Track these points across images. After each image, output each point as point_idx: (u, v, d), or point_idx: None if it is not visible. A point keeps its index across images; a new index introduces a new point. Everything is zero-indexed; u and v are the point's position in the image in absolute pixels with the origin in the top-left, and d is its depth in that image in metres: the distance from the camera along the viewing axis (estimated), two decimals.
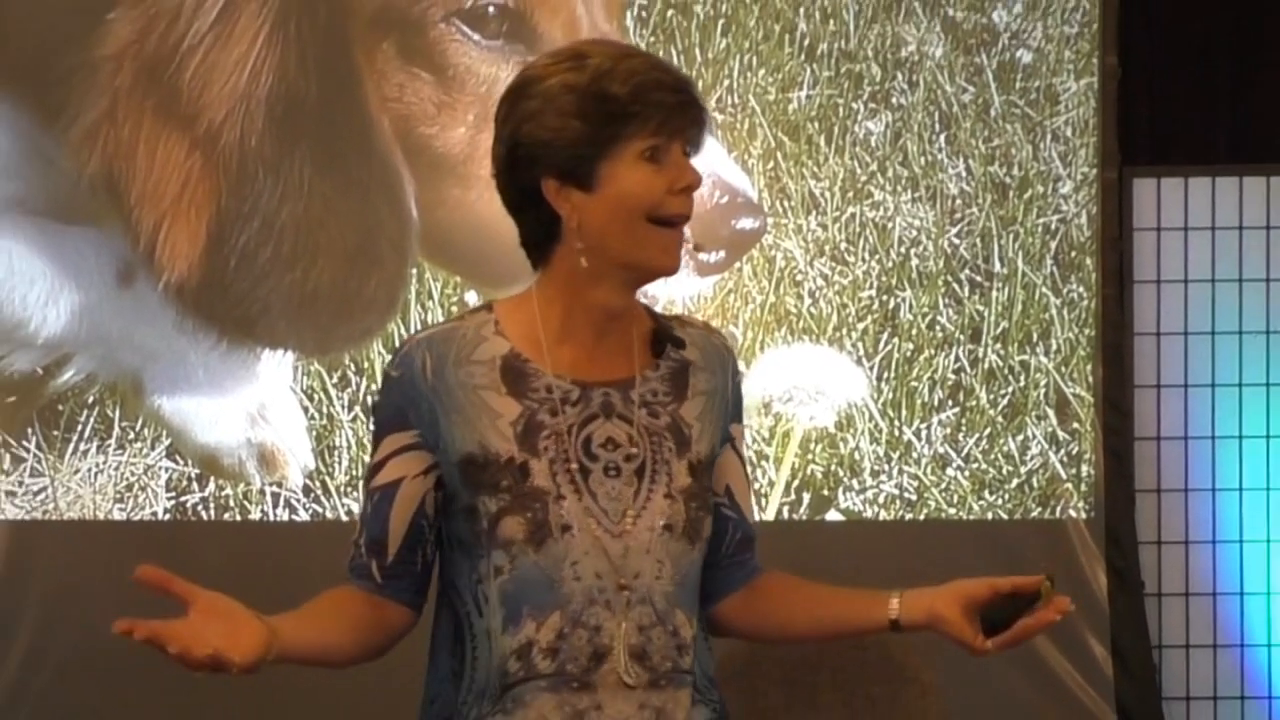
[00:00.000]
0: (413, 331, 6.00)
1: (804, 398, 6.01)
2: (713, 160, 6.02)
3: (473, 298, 6.06)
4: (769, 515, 6.00)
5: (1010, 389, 6.03)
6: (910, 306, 6.04)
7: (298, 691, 5.20)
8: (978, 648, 2.32)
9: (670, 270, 2.43)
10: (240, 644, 2.21)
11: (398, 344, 5.93)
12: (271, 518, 6.13)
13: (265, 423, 6.12)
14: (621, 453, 2.42)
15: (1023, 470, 6.02)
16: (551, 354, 2.45)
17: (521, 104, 2.37)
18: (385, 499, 2.42)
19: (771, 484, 6.00)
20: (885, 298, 6.06)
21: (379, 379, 5.98)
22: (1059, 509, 6.02)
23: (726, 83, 6.07)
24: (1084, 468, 6.01)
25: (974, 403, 6.03)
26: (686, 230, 2.41)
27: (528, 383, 2.44)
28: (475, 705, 2.39)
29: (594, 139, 2.32)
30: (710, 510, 2.46)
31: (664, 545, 2.39)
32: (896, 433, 6.04)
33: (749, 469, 2.60)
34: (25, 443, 6.17)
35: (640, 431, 2.43)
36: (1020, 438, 6.02)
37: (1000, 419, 6.01)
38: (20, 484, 6.15)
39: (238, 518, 6.15)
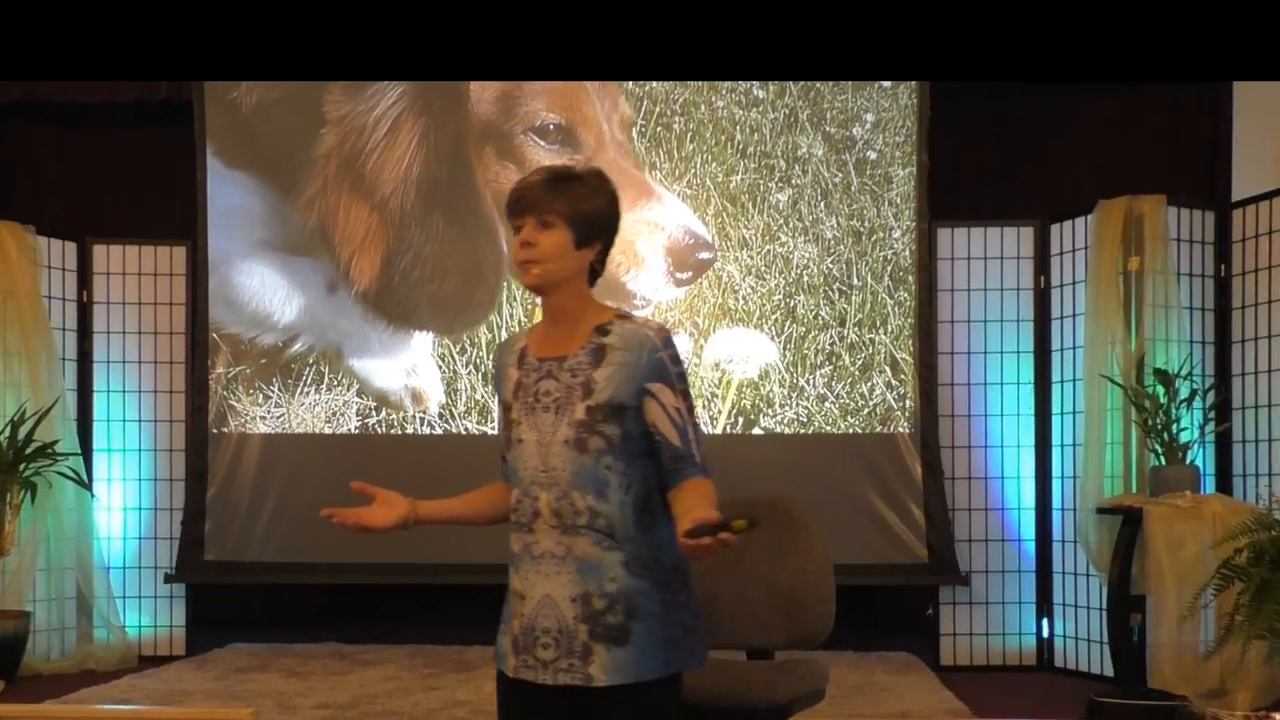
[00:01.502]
0: (499, 321, 6.02)
1: (739, 360, 5.99)
2: (685, 218, 5.97)
3: (538, 300, 5.98)
4: (719, 430, 5.97)
5: (863, 355, 5.97)
6: (803, 305, 5.98)
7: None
8: (679, 543, 2.31)
9: (526, 285, 2.57)
10: (387, 519, 2.63)
11: (497, 329, 5.96)
12: (419, 433, 6.11)
13: (415, 375, 6.17)
14: (551, 398, 2.51)
15: (871, 404, 5.96)
16: (537, 342, 2.59)
17: None
18: (502, 429, 2.60)
19: (720, 412, 5.96)
20: (788, 300, 5.99)
21: (484, 350, 6.01)
22: (893, 427, 5.97)
23: (693, 171, 6.00)
24: (908, 402, 5.96)
25: (842, 363, 5.96)
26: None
27: (524, 361, 2.58)
28: (514, 531, 2.56)
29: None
30: (600, 434, 2.47)
31: (565, 452, 2.48)
32: (795, 381, 5.98)
33: (683, 409, 2.50)
34: (272, 387, 6.18)
35: (563, 386, 2.51)
36: (869, 384, 5.96)
37: (857, 373, 5.96)
38: (269, 412, 6.16)
39: (398, 433, 6.13)
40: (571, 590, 2.46)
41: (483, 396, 6.04)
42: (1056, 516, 5.82)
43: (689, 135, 6.06)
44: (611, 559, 2.46)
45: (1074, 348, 5.71)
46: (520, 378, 2.56)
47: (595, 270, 2.61)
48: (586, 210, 2.54)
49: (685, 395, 2.51)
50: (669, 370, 2.49)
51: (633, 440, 2.49)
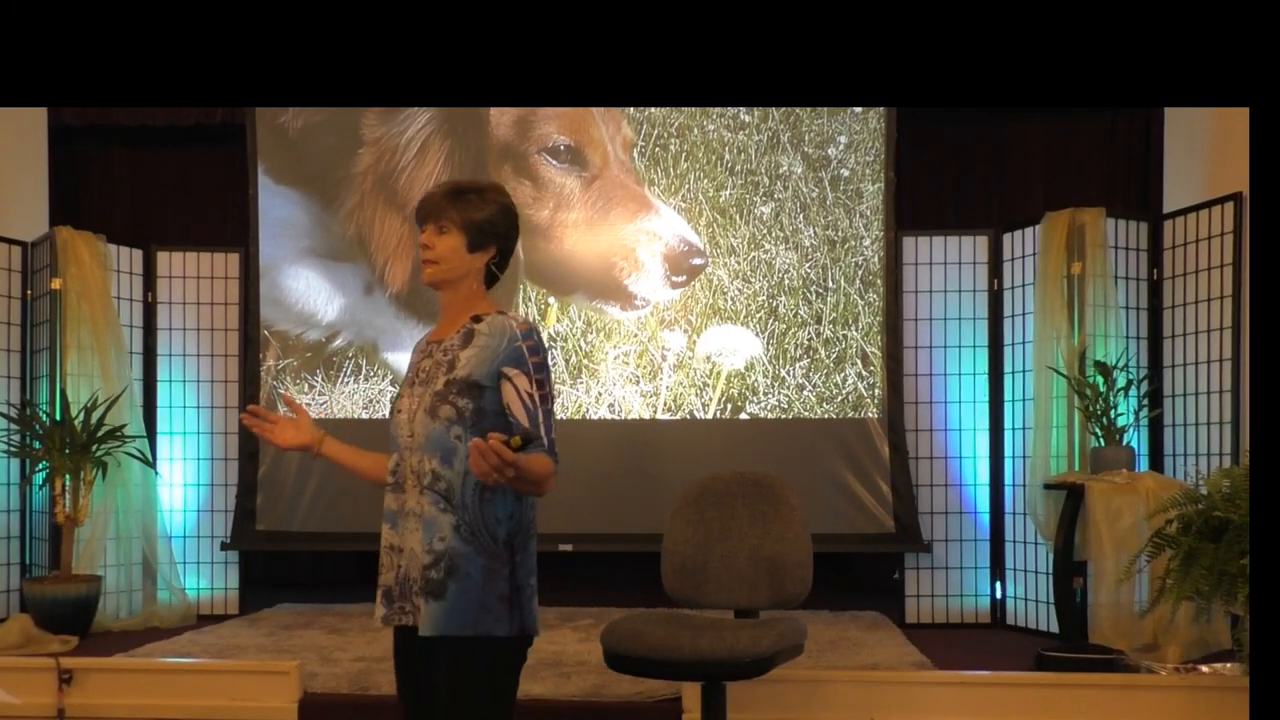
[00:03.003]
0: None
1: (727, 353, 5.97)
2: (680, 228, 5.95)
3: (553, 300, 5.97)
4: (709, 415, 5.94)
5: (838, 349, 5.95)
6: (784, 305, 5.96)
7: None
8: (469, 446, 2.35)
9: (426, 282, 2.59)
10: (288, 439, 2.63)
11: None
12: None
13: None
14: (425, 374, 2.51)
15: (844, 392, 5.94)
16: (435, 331, 2.61)
17: None
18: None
19: (711, 400, 5.94)
20: (770, 301, 5.97)
21: None
22: (864, 413, 5.94)
23: (687, 186, 5.98)
24: (877, 391, 5.93)
25: (818, 356, 5.94)
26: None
27: (424, 347, 2.60)
28: (390, 491, 2.54)
29: None
30: (451, 404, 2.44)
31: (422, 418, 2.47)
32: (777, 372, 5.96)
33: (536, 395, 2.47)
34: (315, 377, 6.15)
35: (435, 363, 2.51)
36: (843, 375, 5.94)
37: (832, 364, 5.93)
38: (313, 400, 6.14)
39: None
40: (418, 544, 2.45)
41: None
42: (1008, 492, 5.82)
43: (683, 155, 6.05)
44: (444, 520, 2.43)
45: (1024, 342, 5.71)
46: (416, 359, 2.60)
47: (493, 273, 2.61)
48: (477, 219, 2.56)
49: (541, 384, 2.47)
50: (525, 359, 2.46)
51: (486, 417, 2.44)
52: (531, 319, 2.55)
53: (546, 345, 2.54)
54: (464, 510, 2.42)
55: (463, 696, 2.42)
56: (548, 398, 2.48)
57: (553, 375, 2.55)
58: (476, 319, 2.52)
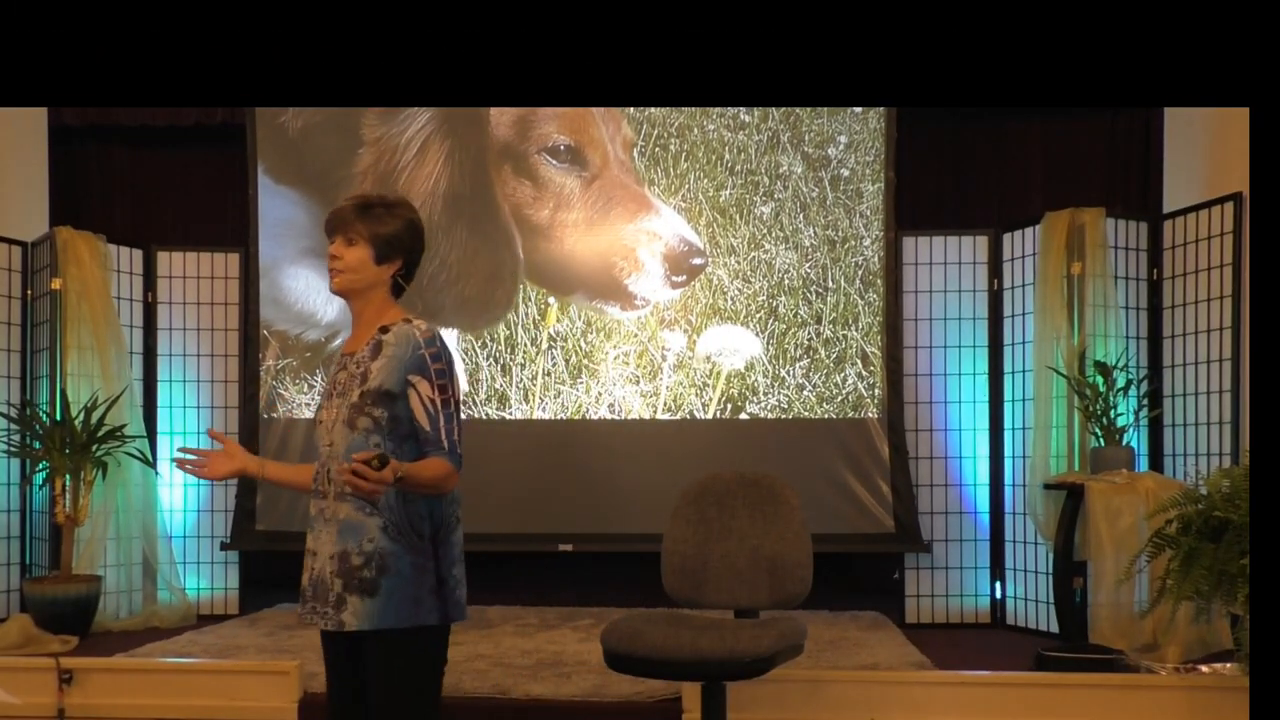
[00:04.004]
0: (516, 320, 6.00)
1: (727, 353, 5.97)
2: (680, 228, 5.95)
3: (553, 300, 5.96)
4: (709, 415, 5.94)
5: (838, 349, 5.94)
6: (784, 305, 5.96)
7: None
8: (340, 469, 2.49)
9: (333, 291, 2.67)
10: (220, 470, 2.68)
11: (514, 326, 5.87)
12: None
13: None
14: (341, 386, 2.60)
15: (844, 392, 5.94)
16: (348, 342, 2.69)
17: None
18: None
19: (710, 399, 5.94)
20: (770, 301, 5.97)
21: (503, 344, 5.93)
22: (864, 413, 5.94)
23: (687, 186, 5.98)
24: (877, 391, 5.93)
25: (818, 356, 5.94)
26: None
27: (339, 358, 2.69)
28: (313, 498, 2.65)
29: None
30: (368, 415, 2.53)
31: (339, 428, 2.57)
32: (777, 372, 5.96)
33: (438, 400, 2.55)
34: (315, 377, 6.15)
35: (349, 375, 2.60)
36: (843, 375, 5.93)
37: (832, 364, 5.93)
38: (313, 399, 6.16)
39: None
40: (331, 549, 2.57)
41: (501, 386, 6.03)
42: (1008, 491, 5.82)
43: (684, 155, 6.05)
44: (371, 523, 2.54)
45: (1024, 342, 5.71)
46: (333, 371, 2.68)
47: (399, 284, 2.71)
48: (383, 233, 2.65)
49: (443, 389, 2.56)
50: (428, 366, 2.56)
51: (401, 424, 2.56)
52: (433, 326, 2.61)
53: (450, 351, 2.64)
54: (389, 511, 2.54)
55: (398, 683, 2.55)
56: (449, 401, 2.58)
57: (458, 378, 2.64)
58: (384, 329, 2.62)
